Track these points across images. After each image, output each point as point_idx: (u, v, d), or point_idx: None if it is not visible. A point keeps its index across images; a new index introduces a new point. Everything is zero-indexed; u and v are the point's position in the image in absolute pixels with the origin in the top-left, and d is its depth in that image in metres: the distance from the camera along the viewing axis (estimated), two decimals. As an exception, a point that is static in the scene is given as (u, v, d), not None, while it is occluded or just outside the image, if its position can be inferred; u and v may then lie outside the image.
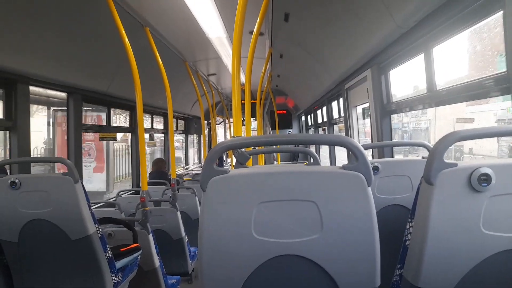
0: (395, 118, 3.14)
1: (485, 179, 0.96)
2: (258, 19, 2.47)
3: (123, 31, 2.82)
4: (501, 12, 1.59)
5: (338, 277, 1.01)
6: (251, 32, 2.50)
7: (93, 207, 2.40)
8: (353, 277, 1.02)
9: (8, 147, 2.95)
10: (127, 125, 5.37)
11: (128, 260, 2.36)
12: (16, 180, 1.97)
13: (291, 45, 4.46)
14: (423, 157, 1.84)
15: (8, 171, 2.62)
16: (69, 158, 3.62)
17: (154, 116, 6.53)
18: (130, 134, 5.41)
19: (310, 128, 8.38)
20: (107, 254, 2.12)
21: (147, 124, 6.29)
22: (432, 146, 1.02)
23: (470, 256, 0.99)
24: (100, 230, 2.11)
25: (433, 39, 2.24)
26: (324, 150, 7.23)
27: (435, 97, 2.32)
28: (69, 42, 3.09)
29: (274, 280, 1.04)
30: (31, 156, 3.32)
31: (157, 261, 2.82)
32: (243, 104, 2.30)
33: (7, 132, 2.91)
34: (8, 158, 2.95)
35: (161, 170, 5.23)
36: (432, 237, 0.98)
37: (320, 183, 1.00)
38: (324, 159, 6.61)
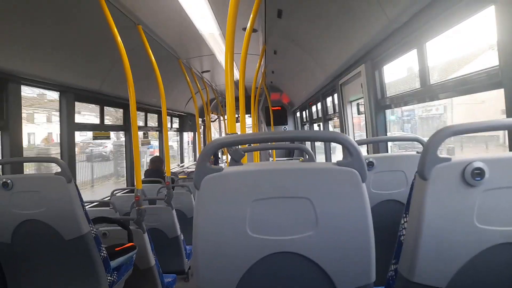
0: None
1: (479, 173, 0.96)
2: (251, 16, 2.46)
3: (115, 29, 2.80)
4: (493, 6, 1.60)
5: (333, 273, 1.02)
6: (245, 29, 2.49)
7: (87, 207, 2.39)
8: (348, 273, 1.02)
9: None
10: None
11: (123, 260, 2.35)
12: (8, 181, 1.95)
13: (285, 41, 4.45)
14: (417, 152, 1.85)
15: (0, 172, 2.60)
16: (62, 158, 3.59)
17: (148, 114, 6.50)
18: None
19: (305, 124, 8.38)
20: (102, 254, 2.11)
21: (141, 122, 6.26)
22: (426, 141, 1.02)
23: (464, 250, 1.00)
24: (94, 229, 2.10)
25: (425, 34, 2.25)
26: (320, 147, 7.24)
27: (428, 92, 2.33)
28: (61, 41, 3.06)
29: (269, 278, 1.04)
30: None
31: (152, 260, 2.82)
32: (237, 101, 2.29)
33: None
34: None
35: (157, 168, 5.21)
36: (426, 232, 0.99)
37: (314, 180, 1.00)
38: (320, 156, 6.63)
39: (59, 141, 3.76)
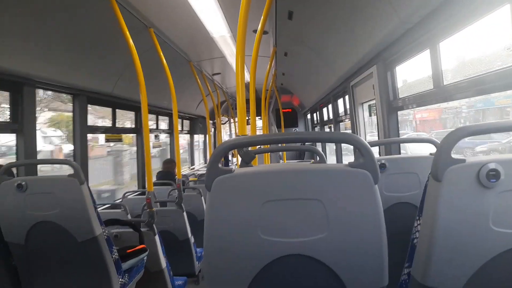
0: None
1: (494, 175, 0.94)
2: (262, 18, 2.46)
3: (127, 33, 2.83)
4: (508, 5, 1.57)
5: (345, 277, 1.00)
6: (255, 31, 2.50)
7: (99, 209, 2.41)
8: (360, 276, 1.00)
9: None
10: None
11: (134, 262, 2.37)
12: (23, 183, 1.98)
13: (296, 43, 4.44)
14: (430, 154, 1.82)
15: (15, 174, 2.65)
16: (75, 160, 3.64)
17: (160, 117, 6.55)
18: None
19: (316, 126, 8.34)
20: (114, 256, 2.13)
21: (152, 125, 6.31)
22: (439, 142, 1.00)
23: (480, 254, 0.97)
24: (106, 231, 2.12)
25: (439, 34, 2.21)
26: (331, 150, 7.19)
27: (442, 93, 2.29)
28: (74, 45, 3.11)
29: (281, 280, 1.02)
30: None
31: (163, 262, 2.83)
32: (247, 103, 2.29)
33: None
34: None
35: (168, 170, 5.24)
36: (440, 235, 0.97)
37: (326, 181, 0.99)
38: (332, 157, 6.58)
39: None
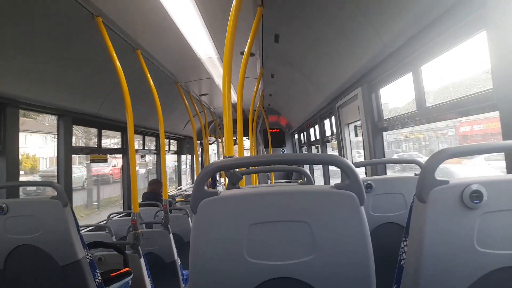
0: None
1: (477, 196, 0.96)
2: (249, 41, 2.50)
3: (114, 54, 2.83)
4: (485, 31, 1.63)
5: None
6: (242, 53, 2.53)
7: (83, 231, 2.35)
8: None
9: None
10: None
11: (118, 286, 2.30)
12: (4, 205, 1.93)
13: (282, 65, 4.51)
14: (415, 174, 1.84)
15: None
16: (58, 181, 3.57)
17: (146, 137, 6.51)
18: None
19: (303, 146, 8.39)
20: (97, 280, 2.06)
21: (138, 145, 6.25)
22: (423, 163, 1.02)
23: (466, 275, 0.98)
24: (90, 254, 2.06)
25: (420, 58, 2.29)
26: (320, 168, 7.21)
27: (425, 114, 2.34)
28: (60, 65, 3.09)
29: None
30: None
31: (148, 286, 2.75)
32: (235, 124, 2.30)
33: None
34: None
35: (154, 191, 5.17)
36: (426, 256, 0.97)
37: (312, 203, 0.99)
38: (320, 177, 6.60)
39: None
